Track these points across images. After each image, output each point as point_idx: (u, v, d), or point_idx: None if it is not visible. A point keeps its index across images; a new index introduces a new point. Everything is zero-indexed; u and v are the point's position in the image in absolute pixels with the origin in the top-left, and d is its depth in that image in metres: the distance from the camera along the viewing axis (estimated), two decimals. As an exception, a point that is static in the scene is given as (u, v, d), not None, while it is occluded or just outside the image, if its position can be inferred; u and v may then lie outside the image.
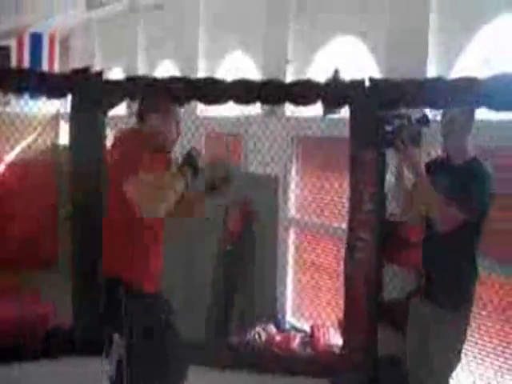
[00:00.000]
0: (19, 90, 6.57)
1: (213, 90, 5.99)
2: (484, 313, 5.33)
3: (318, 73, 6.82)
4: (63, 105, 10.93)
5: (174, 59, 10.15)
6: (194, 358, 5.74)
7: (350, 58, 6.77)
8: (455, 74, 5.57)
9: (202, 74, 9.01)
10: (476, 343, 5.40)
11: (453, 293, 4.16)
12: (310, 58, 7.35)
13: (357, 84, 5.66)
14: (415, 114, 4.48)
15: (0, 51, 12.90)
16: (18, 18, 11.56)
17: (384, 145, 4.69)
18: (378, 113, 5.15)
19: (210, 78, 6.81)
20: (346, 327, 5.81)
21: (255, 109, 7.34)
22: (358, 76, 5.76)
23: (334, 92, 5.88)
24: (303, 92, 5.91)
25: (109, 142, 6.55)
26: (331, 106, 6.10)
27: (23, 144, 11.13)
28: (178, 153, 4.10)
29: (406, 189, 4.43)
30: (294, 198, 7.28)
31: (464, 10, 5.66)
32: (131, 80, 6.56)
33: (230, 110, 6.97)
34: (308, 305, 7.16)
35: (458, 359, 4.25)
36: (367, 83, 5.59)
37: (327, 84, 6.07)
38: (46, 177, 11.02)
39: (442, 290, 4.18)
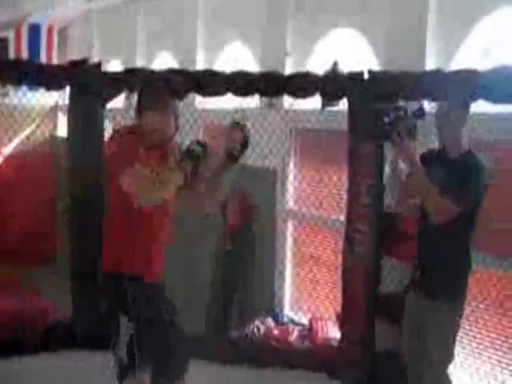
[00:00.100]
0: (17, 82, 6.56)
1: (211, 82, 5.99)
2: (481, 306, 5.33)
3: (317, 65, 6.80)
4: (61, 96, 10.90)
5: (173, 51, 10.13)
6: (194, 352, 5.77)
7: (349, 51, 6.75)
8: (454, 66, 5.55)
9: (200, 66, 8.99)
10: (474, 337, 5.40)
11: (446, 284, 4.20)
12: (308, 51, 7.33)
13: (355, 76, 5.65)
14: (411, 106, 4.49)
15: (-2, 42, 12.89)
16: (16, 9, 11.51)
17: (381, 137, 4.70)
18: (375, 105, 5.13)
19: (209, 70, 6.81)
20: (344, 320, 5.82)
21: (254, 101, 7.32)
22: (356, 68, 5.75)
23: (332, 84, 5.87)
24: (302, 84, 5.90)
25: (107, 135, 6.55)
26: (330, 98, 6.09)
27: (21, 136, 11.11)
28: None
29: (402, 180, 4.45)
30: (293, 191, 7.26)
31: (463, 2, 5.64)
32: (130, 72, 6.55)
33: (228, 102, 6.94)
34: (306, 298, 7.15)
35: (453, 351, 4.28)
36: (366, 76, 5.58)
37: (326, 76, 6.06)
38: (44, 169, 11.00)
39: (436, 282, 4.22)
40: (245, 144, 4.00)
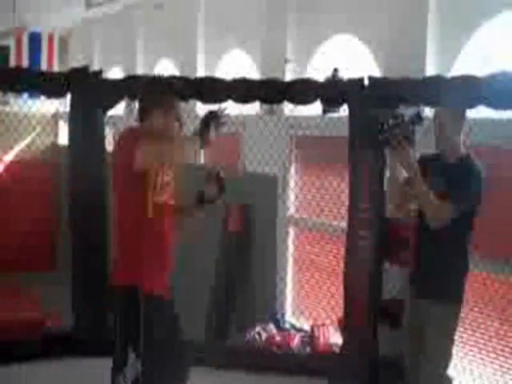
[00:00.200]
0: (18, 90, 6.57)
1: (212, 89, 5.99)
2: (484, 311, 5.33)
3: (317, 72, 6.82)
4: (62, 104, 10.94)
5: (173, 58, 10.15)
6: (195, 358, 5.77)
7: (349, 57, 6.76)
8: (454, 72, 5.56)
9: (200, 73, 9.01)
10: (477, 342, 5.40)
11: (444, 286, 4.23)
12: (308, 57, 7.34)
13: (356, 83, 5.66)
14: (409, 112, 4.52)
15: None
16: (17, 18, 11.53)
17: (381, 143, 4.72)
18: (374, 112, 5.14)
19: (209, 77, 6.82)
20: (345, 326, 5.81)
21: (254, 108, 7.34)
22: (356, 75, 5.76)
23: (332, 91, 5.88)
24: (302, 91, 5.91)
25: (108, 142, 6.56)
26: (330, 104, 6.10)
27: (22, 144, 11.13)
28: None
29: (400, 185, 4.47)
30: (294, 197, 7.27)
31: (463, 8, 5.65)
32: (130, 79, 6.56)
33: (229, 108, 6.94)
34: (308, 304, 7.15)
35: (451, 351, 4.30)
36: (366, 82, 5.59)
37: (326, 83, 6.07)
38: (45, 177, 11.05)
39: (434, 284, 4.25)
40: (220, 189, 4.21)
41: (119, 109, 9.58)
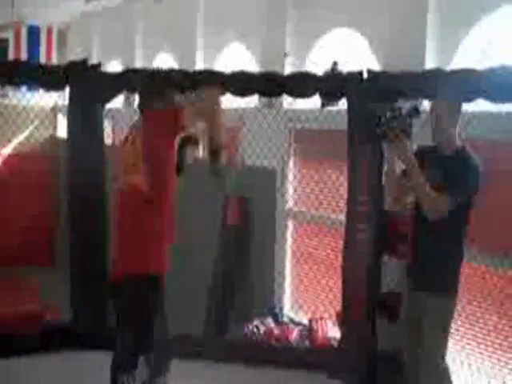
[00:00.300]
0: (17, 83, 6.56)
1: (211, 83, 5.98)
2: (482, 305, 5.34)
3: (316, 65, 6.80)
4: (61, 97, 10.93)
5: (172, 52, 10.13)
6: (193, 351, 5.78)
7: (348, 50, 6.75)
8: (454, 66, 5.56)
9: (199, 66, 8.99)
10: (475, 336, 5.41)
11: (440, 277, 4.29)
12: (307, 51, 7.33)
13: (355, 76, 5.65)
14: (406, 105, 4.56)
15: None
16: (15, 12, 11.51)
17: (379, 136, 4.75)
18: (372, 105, 5.14)
19: (208, 70, 6.80)
20: (344, 320, 5.81)
21: (253, 101, 7.33)
22: (355, 68, 5.75)
23: (331, 84, 5.87)
24: (301, 84, 5.90)
25: (107, 135, 6.55)
26: (329, 98, 6.09)
27: (21, 137, 11.13)
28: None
29: (398, 178, 4.51)
30: (292, 191, 7.27)
31: (463, 2, 5.64)
32: (129, 72, 6.55)
33: (227, 102, 6.94)
34: (306, 298, 7.16)
35: (447, 340, 4.36)
36: (365, 75, 5.59)
37: (325, 76, 6.06)
38: (44, 169, 11.05)
39: (430, 275, 4.30)
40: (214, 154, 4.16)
41: (118, 102, 9.57)
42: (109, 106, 6.58)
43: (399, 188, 4.54)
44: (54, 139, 11.64)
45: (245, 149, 7.52)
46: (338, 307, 5.96)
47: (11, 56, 12.67)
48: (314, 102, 6.20)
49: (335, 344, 6.03)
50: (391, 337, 5.20)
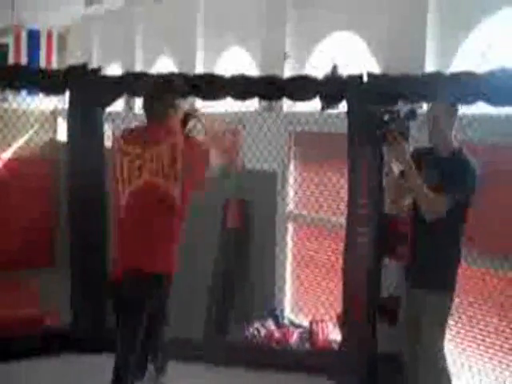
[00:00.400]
0: (17, 87, 6.56)
1: (211, 86, 5.99)
2: (483, 307, 5.34)
3: (316, 68, 6.81)
4: (61, 101, 10.93)
5: (172, 55, 10.14)
6: (194, 355, 5.78)
7: (348, 53, 6.75)
8: (453, 69, 5.56)
9: (199, 70, 9.00)
10: (475, 338, 5.41)
11: (438, 275, 4.37)
12: (307, 54, 7.34)
13: (355, 79, 5.65)
14: (403, 108, 4.62)
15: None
16: (15, 15, 11.52)
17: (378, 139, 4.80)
18: (372, 108, 5.16)
19: (208, 74, 6.81)
20: (344, 323, 5.81)
21: (253, 104, 7.33)
22: (355, 71, 5.76)
23: (331, 87, 5.87)
24: (301, 87, 5.91)
25: (107, 138, 6.55)
26: (329, 101, 6.09)
27: (21, 140, 11.13)
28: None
29: (396, 180, 4.54)
30: (293, 193, 7.27)
31: (463, 4, 5.65)
32: (129, 76, 6.55)
33: (228, 105, 6.96)
34: (307, 300, 7.15)
35: (443, 338, 4.44)
36: (365, 78, 5.59)
37: (325, 79, 6.06)
38: (44, 173, 11.05)
39: (429, 273, 4.37)
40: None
41: (118, 106, 9.57)
42: (109, 109, 6.58)
43: (397, 189, 4.59)
44: (54, 143, 11.65)
45: (245, 152, 7.51)
46: (339, 310, 5.96)
47: (11, 60, 12.68)
48: (314, 105, 6.21)
49: (336, 346, 6.03)
50: (391, 340, 5.20)
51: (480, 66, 5.20)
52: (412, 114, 4.45)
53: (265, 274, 7.20)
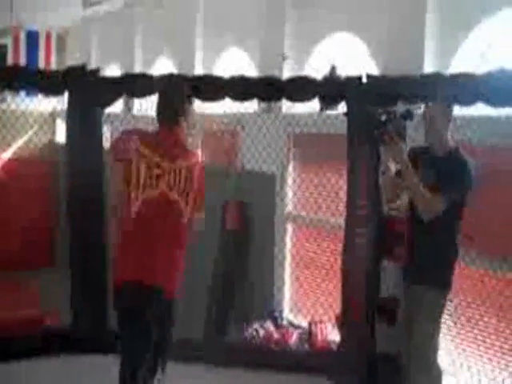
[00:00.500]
0: (15, 88, 6.56)
1: (210, 87, 5.99)
2: (482, 308, 5.34)
3: (315, 69, 6.81)
4: (60, 102, 10.93)
5: (171, 56, 10.15)
6: (193, 355, 5.78)
7: (347, 54, 6.76)
8: (453, 69, 5.57)
9: (198, 71, 9.00)
10: (475, 338, 5.41)
11: (434, 272, 4.40)
12: (307, 55, 7.34)
13: (354, 80, 5.66)
14: (400, 109, 4.65)
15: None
16: (14, 17, 11.52)
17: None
18: (370, 109, 5.17)
19: (207, 75, 6.82)
20: (343, 323, 5.81)
21: (252, 105, 7.34)
22: (354, 72, 5.76)
23: (330, 88, 5.88)
24: (300, 88, 5.91)
25: (106, 140, 6.56)
26: (328, 102, 6.10)
27: (20, 141, 11.13)
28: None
29: (393, 179, 4.56)
30: (291, 194, 7.27)
31: (462, 5, 5.66)
32: (128, 77, 6.56)
33: (227, 106, 6.97)
34: (305, 301, 7.16)
35: (438, 334, 4.48)
36: (364, 79, 5.60)
37: (324, 80, 6.07)
38: (43, 175, 11.05)
39: (425, 270, 4.41)
40: None
41: (117, 107, 9.57)
42: (107, 110, 6.58)
43: (393, 188, 4.62)
44: (52, 144, 11.65)
45: (244, 153, 7.53)
46: (338, 310, 5.96)
47: (10, 61, 12.68)
48: (313, 106, 6.22)
49: (335, 347, 6.03)
50: (390, 340, 5.21)
51: (479, 67, 5.20)
52: (409, 114, 4.49)
53: (264, 274, 7.21)
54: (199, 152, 4.21)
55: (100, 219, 6.31)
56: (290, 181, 7.27)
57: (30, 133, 11.03)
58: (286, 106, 7.22)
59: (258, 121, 7.20)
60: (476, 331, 5.41)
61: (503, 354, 5.20)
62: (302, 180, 7.16)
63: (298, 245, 7.28)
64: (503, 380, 5.16)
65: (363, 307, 5.59)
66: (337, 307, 6.07)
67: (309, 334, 6.40)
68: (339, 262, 5.91)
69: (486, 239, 5.09)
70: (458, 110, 4.71)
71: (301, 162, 7.24)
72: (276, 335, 6.45)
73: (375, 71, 6.20)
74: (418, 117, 4.57)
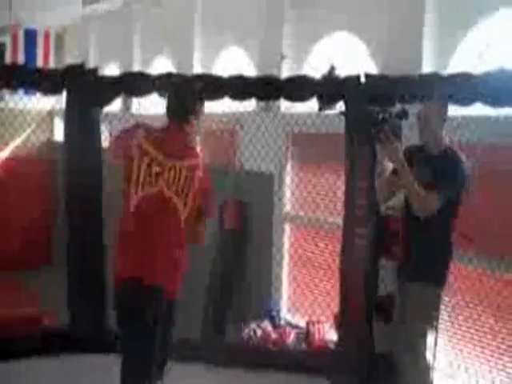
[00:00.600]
0: (14, 86, 6.56)
1: (208, 86, 5.98)
2: (479, 308, 5.35)
3: (314, 69, 6.81)
4: (58, 101, 10.91)
5: (170, 56, 10.13)
6: (191, 355, 5.78)
7: (346, 54, 6.76)
8: (451, 69, 5.57)
9: (197, 70, 8.99)
10: (472, 339, 5.41)
11: (429, 269, 4.43)
12: (305, 55, 7.34)
13: (352, 80, 5.67)
14: (396, 108, 4.67)
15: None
16: (13, 15, 11.51)
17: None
18: (367, 108, 5.18)
19: (206, 74, 6.81)
20: (341, 323, 5.81)
21: (250, 105, 7.33)
22: (353, 72, 5.76)
23: (329, 88, 5.88)
24: (298, 88, 5.92)
25: (104, 139, 6.55)
26: (327, 101, 6.10)
27: (18, 140, 11.12)
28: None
29: (388, 178, 4.61)
30: (290, 194, 7.27)
31: (460, 6, 5.66)
32: (126, 76, 6.55)
33: (225, 105, 6.95)
34: (303, 301, 7.15)
35: (426, 331, 4.47)
36: (363, 79, 5.60)
37: (322, 80, 6.07)
38: (41, 174, 11.04)
39: (420, 268, 4.44)
40: None
41: (115, 106, 9.56)
42: (105, 109, 6.57)
43: (389, 186, 4.62)
44: (51, 143, 11.63)
45: (242, 152, 7.52)
46: (336, 310, 5.96)
47: (8, 59, 12.66)
48: (312, 105, 6.21)
49: (332, 347, 6.03)
50: (387, 338, 5.22)
51: (477, 67, 5.21)
52: (404, 114, 4.51)
53: (262, 274, 7.20)
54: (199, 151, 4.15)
55: (98, 218, 6.32)
56: (288, 180, 7.26)
57: (28, 131, 11.02)
58: (285, 105, 7.22)
59: (256, 120, 7.19)
60: (473, 331, 5.42)
61: (501, 354, 5.21)
62: (300, 179, 7.15)
63: (295, 244, 7.28)
64: (501, 381, 5.17)
65: (362, 306, 5.60)
66: (335, 307, 6.07)
67: (306, 334, 6.40)
68: (337, 261, 5.91)
69: (484, 239, 5.09)
70: (453, 111, 4.73)
71: (299, 161, 7.24)
72: (274, 335, 6.45)
73: (374, 71, 6.19)
74: (413, 116, 4.58)
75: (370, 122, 4.51)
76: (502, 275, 5.18)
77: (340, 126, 5.74)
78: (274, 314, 6.99)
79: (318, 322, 6.50)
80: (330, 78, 6.20)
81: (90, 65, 7.46)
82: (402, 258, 4.62)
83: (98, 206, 6.33)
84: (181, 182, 3.98)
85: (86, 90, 6.20)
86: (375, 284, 5.59)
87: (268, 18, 7.71)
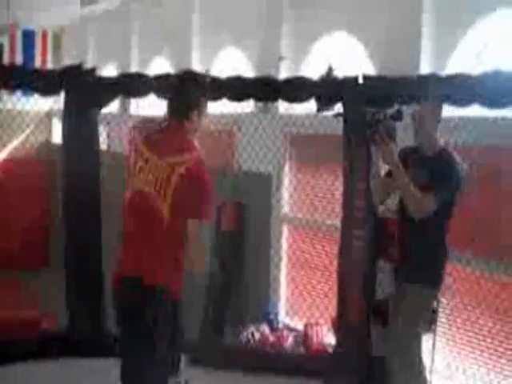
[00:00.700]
0: (12, 87, 6.55)
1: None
2: (477, 311, 5.33)
3: (312, 70, 6.80)
4: (56, 102, 10.91)
5: (168, 56, 10.12)
6: (189, 358, 5.75)
7: (344, 55, 6.74)
8: (449, 70, 5.56)
9: (195, 70, 8.97)
10: (469, 341, 5.40)
11: (424, 271, 4.45)
12: (303, 56, 7.32)
13: (350, 81, 5.66)
14: (390, 110, 4.67)
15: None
16: (10, 15, 11.49)
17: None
18: (365, 109, 5.17)
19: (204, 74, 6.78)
20: (339, 326, 5.80)
21: (249, 106, 7.32)
22: (351, 73, 5.75)
23: (327, 89, 5.87)
24: (297, 89, 5.91)
25: (102, 140, 6.54)
26: (325, 103, 6.09)
27: (16, 141, 11.10)
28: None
29: (382, 180, 4.62)
30: (288, 196, 7.26)
31: (458, 6, 5.65)
32: (125, 77, 6.54)
33: (223, 106, 6.94)
34: (301, 303, 7.13)
35: (419, 331, 4.50)
36: (361, 80, 5.59)
37: (321, 81, 6.06)
38: (39, 174, 11.03)
39: (415, 269, 4.45)
40: None
41: (113, 107, 9.55)
42: (103, 111, 6.56)
43: (384, 187, 4.62)
44: (49, 144, 11.62)
45: (240, 154, 7.50)
46: (334, 313, 5.95)
47: (6, 60, 12.64)
48: (310, 106, 6.20)
49: (330, 350, 6.01)
50: (384, 341, 5.21)
51: (475, 67, 5.20)
52: (398, 115, 4.51)
53: (259, 276, 7.18)
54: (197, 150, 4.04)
55: (96, 219, 6.31)
56: (286, 182, 7.25)
57: (27, 132, 11.02)
58: (283, 106, 7.20)
59: (254, 121, 7.17)
60: (471, 333, 5.41)
61: (499, 357, 5.20)
62: (299, 181, 7.14)
63: (293, 246, 7.27)
64: (498, 383, 5.16)
65: (360, 308, 5.58)
66: (333, 309, 6.05)
67: (304, 337, 6.38)
68: (335, 263, 5.90)
69: (482, 241, 5.09)
70: (450, 112, 4.72)
71: (297, 162, 7.23)
72: (271, 338, 6.43)
73: (372, 71, 6.18)
74: (408, 117, 4.59)
75: (366, 123, 4.52)
76: (499, 277, 5.17)
77: (338, 128, 5.73)
78: (272, 317, 6.97)
79: (316, 324, 6.48)
80: (328, 79, 6.20)
81: (88, 65, 7.43)
82: (399, 259, 4.63)
83: (97, 207, 6.32)
84: (159, 180, 3.83)
85: (84, 90, 6.19)
86: (373, 286, 5.58)
87: (266, 19, 7.70)
